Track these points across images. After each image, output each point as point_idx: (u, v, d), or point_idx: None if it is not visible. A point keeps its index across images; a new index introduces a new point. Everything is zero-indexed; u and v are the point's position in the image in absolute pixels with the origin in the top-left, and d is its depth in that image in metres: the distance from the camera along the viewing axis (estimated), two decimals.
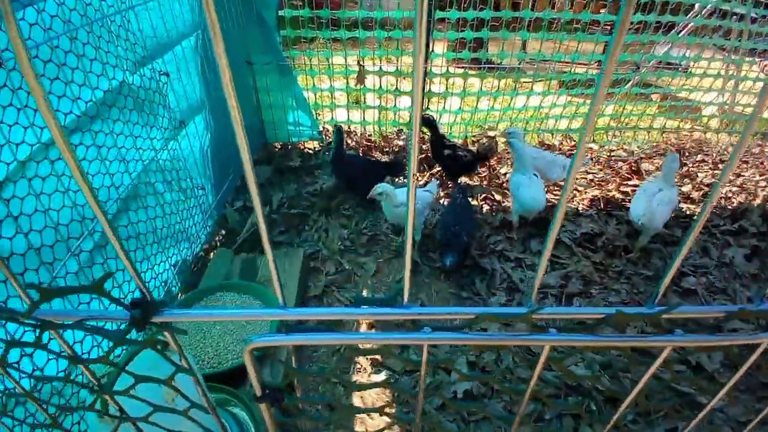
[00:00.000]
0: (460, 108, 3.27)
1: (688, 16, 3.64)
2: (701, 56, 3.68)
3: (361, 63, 2.92)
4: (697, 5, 3.64)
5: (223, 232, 2.37)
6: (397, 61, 3.00)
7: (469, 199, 2.29)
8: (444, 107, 3.20)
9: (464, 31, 2.89)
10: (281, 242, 2.33)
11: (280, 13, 2.76)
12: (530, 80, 3.39)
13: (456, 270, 2.20)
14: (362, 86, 2.99)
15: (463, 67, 3.17)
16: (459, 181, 2.84)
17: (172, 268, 1.91)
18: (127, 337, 0.41)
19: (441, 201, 2.74)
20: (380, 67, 3.02)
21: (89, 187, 0.40)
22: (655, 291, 0.59)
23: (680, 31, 3.85)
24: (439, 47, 3.24)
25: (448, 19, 2.85)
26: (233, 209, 2.43)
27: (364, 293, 2.11)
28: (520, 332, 0.59)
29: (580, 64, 3.47)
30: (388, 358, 1.79)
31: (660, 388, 1.68)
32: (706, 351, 1.78)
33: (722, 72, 3.75)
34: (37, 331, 0.44)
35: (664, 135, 3.68)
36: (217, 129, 2.46)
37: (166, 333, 0.44)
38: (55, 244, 1.27)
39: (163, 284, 1.83)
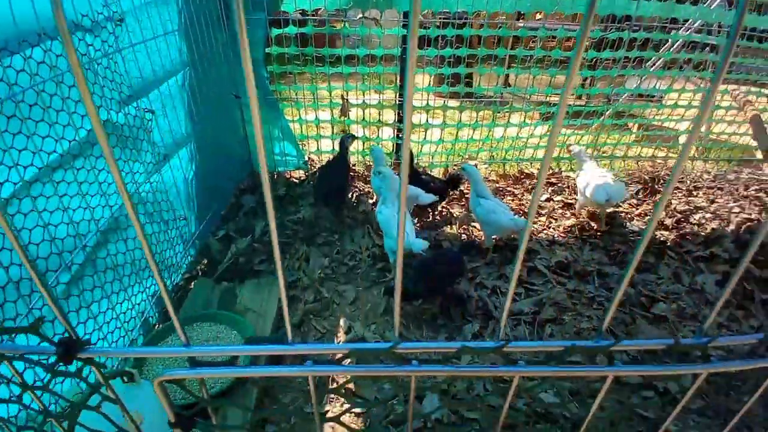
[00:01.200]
0: (440, 138, 3.39)
1: (659, 51, 3.84)
2: (672, 88, 3.85)
3: (345, 97, 3.05)
4: (670, 40, 3.85)
5: (206, 261, 2.42)
6: (379, 94, 3.13)
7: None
8: (425, 137, 3.32)
9: (442, 67, 3.04)
10: (262, 271, 2.38)
11: (267, 50, 2.90)
12: (508, 112, 3.53)
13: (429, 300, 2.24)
14: (346, 118, 3.11)
15: (443, 98, 3.32)
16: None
17: (150, 298, 1.95)
18: (59, 368, 0.46)
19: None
20: (363, 101, 3.15)
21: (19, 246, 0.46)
22: (599, 328, 0.66)
23: (652, 66, 4.05)
24: (421, 81, 3.39)
25: (427, 56, 3.00)
26: (215, 238, 2.49)
27: (341, 321, 2.15)
28: (493, 363, 0.66)
29: (555, 95, 3.63)
30: (364, 388, 1.82)
31: (627, 414, 1.71)
32: (653, 379, 1.82)
33: (693, 102, 3.91)
34: None
35: (639, 163, 3.80)
36: (202, 161, 2.55)
37: (93, 367, 0.49)
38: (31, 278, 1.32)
39: (140, 315, 1.86)
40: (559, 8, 2.90)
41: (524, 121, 3.52)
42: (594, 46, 3.40)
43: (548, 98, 3.49)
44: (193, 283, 2.24)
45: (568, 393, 1.80)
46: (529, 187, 3.38)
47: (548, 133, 3.65)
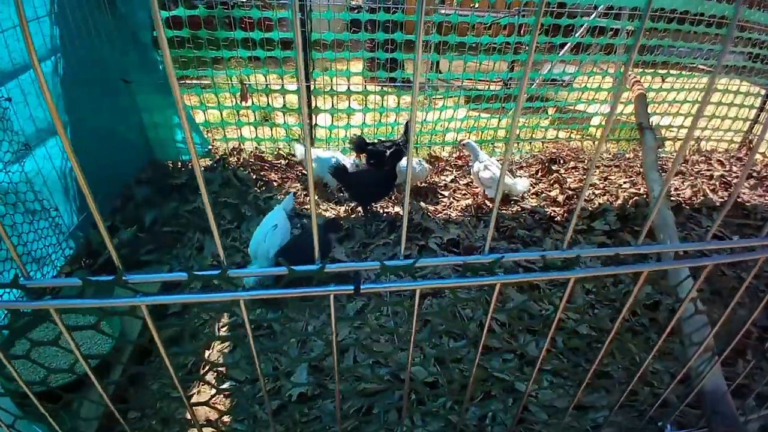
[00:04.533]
0: (363, 122, 3.42)
1: (571, 36, 4.01)
2: (581, 71, 4.05)
3: (244, 81, 3.00)
4: (576, 26, 4.02)
5: (87, 253, 2.34)
6: (282, 79, 3.10)
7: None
8: (348, 122, 3.34)
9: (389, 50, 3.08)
10: (148, 261, 2.33)
11: (156, 33, 2.79)
12: (442, 96, 3.60)
13: None
14: (247, 104, 3.06)
15: (382, 85, 3.35)
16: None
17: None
18: None
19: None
20: (266, 86, 3.11)
21: None
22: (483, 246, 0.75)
23: (559, 51, 4.23)
24: (356, 66, 3.37)
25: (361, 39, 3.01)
26: (97, 230, 2.40)
27: None
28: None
29: (482, 80, 3.74)
30: (234, 369, 1.84)
31: (485, 376, 1.83)
32: (513, 341, 1.96)
33: (602, 85, 4.13)
34: None
35: (544, 145, 3.99)
36: (80, 151, 2.43)
37: None
38: None
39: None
40: None
41: (457, 103, 3.59)
42: (516, 32, 3.49)
43: (476, 83, 3.59)
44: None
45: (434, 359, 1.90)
46: (438, 170, 3.47)
47: (468, 117, 3.81)
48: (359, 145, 3.01)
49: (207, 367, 1.82)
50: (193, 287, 2.05)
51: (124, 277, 0.67)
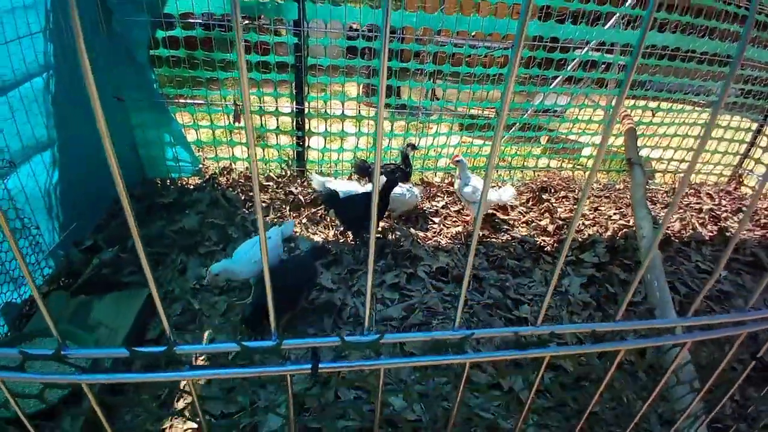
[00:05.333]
0: (356, 146, 3.43)
1: (563, 70, 4.07)
2: (572, 103, 4.11)
3: (237, 102, 3.00)
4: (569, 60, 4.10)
5: (67, 273, 2.28)
6: (276, 101, 3.11)
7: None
8: (341, 146, 3.35)
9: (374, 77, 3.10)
10: (129, 283, 2.28)
11: (154, 52, 2.80)
12: (436, 123, 3.63)
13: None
14: (240, 124, 3.06)
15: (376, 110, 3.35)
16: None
17: None
18: None
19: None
20: (260, 107, 3.12)
21: None
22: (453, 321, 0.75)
23: (551, 83, 4.30)
24: (353, 90, 3.39)
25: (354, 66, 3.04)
26: (79, 249, 2.35)
27: (206, 334, 2.09)
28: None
29: (476, 108, 3.77)
30: (211, 402, 1.78)
31: (468, 414, 1.78)
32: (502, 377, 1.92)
33: (593, 117, 4.18)
34: None
35: (536, 174, 4.01)
36: (69, 167, 2.41)
37: None
38: None
39: None
40: (481, 29, 3.03)
41: (450, 130, 3.62)
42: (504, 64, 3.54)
43: (469, 111, 3.63)
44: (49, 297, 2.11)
45: (417, 394, 1.85)
46: (429, 195, 3.46)
47: (460, 143, 3.84)
48: (362, 168, 2.99)
49: (181, 401, 1.76)
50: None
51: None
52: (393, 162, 3.24)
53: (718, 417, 1.86)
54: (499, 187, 3.25)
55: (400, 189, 2.85)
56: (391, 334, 0.73)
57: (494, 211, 3.27)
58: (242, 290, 2.35)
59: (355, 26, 3.26)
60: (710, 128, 0.70)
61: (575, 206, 3.52)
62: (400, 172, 2.97)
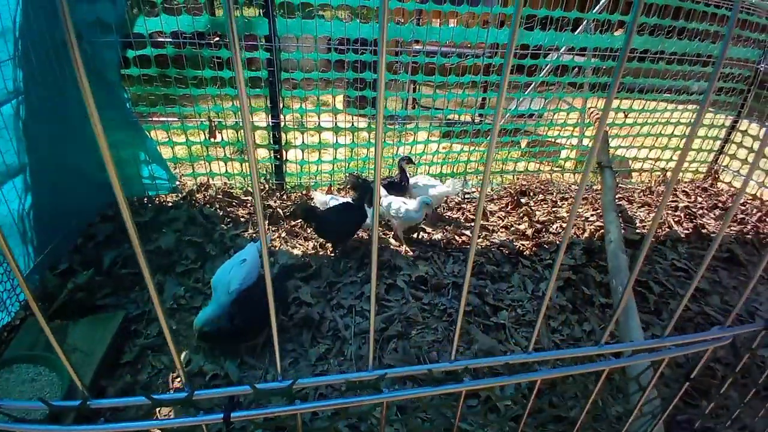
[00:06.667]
0: (334, 157, 3.44)
1: (535, 76, 4.13)
2: (546, 108, 4.17)
3: (212, 118, 3.00)
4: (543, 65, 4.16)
5: (42, 298, 2.26)
6: (251, 116, 3.12)
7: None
8: (319, 157, 3.37)
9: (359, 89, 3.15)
10: (105, 305, 2.26)
11: (125, 71, 2.79)
12: (413, 131, 3.66)
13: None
14: (214, 139, 3.06)
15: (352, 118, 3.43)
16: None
17: None
18: None
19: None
20: (236, 122, 3.12)
21: None
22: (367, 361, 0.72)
23: (524, 90, 4.36)
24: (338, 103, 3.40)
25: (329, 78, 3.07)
26: (54, 273, 2.33)
27: (183, 355, 2.08)
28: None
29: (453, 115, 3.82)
30: None
31: (446, 425, 1.79)
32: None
33: (567, 120, 4.25)
34: None
35: (515, 177, 4.06)
36: (40, 192, 2.39)
37: None
38: None
39: None
40: (461, 38, 3.07)
41: (428, 138, 3.65)
42: (483, 71, 3.58)
43: (447, 118, 3.68)
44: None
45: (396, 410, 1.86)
46: None
47: (438, 151, 3.87)
48: (354, 183, 2.98)
49: None
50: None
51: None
52: (390, 176, 3.26)
53: (692, 417, 1.90)
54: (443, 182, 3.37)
55: (397, 204, 2.88)
56: (304, 378, 0.72)
57: (473, 217, 3.30)
58: None
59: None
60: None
61: (553, 209, 3.57)
62: (400, 182, 3.04)
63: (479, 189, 3.81)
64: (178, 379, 1.94)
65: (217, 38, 2.78)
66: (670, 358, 0.90)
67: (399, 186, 3.14)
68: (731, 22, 0.66)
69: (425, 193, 3.07)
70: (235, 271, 2.19)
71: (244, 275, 2.18)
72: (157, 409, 1.75)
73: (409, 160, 3.17)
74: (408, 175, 3.22)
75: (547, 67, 4.22)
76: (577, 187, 4.05)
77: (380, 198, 2.76)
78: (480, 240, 3.09)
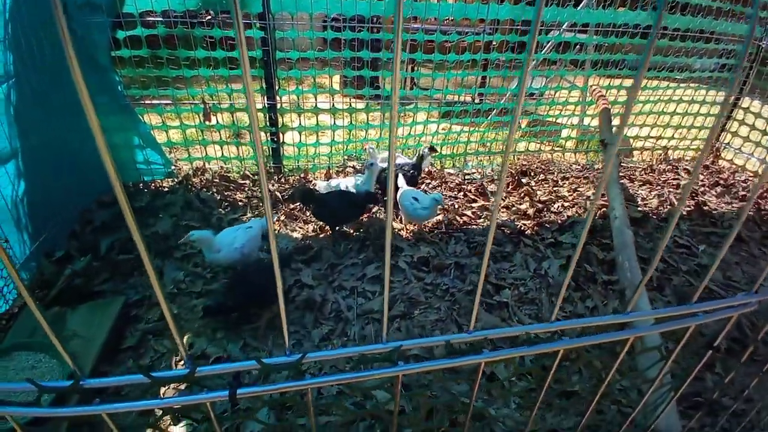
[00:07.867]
0: (332, 140, 3.39)
1: (537, 53, 4.05)
2: (548, 86, 4.11)
3: (206, 100, 2.94)
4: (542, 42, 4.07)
5: (40, 285, 2.23)
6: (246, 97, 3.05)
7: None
8: (317, 140, 3.32)
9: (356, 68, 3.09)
10: (103, 291, 2.24)
11: (115, 53, 2.71)
12: (413, 112, 3.60)
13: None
14: (210, 123, 3.00)
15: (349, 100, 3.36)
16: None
17: None
18: None
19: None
20: (231, 104, 3.06)
21: None
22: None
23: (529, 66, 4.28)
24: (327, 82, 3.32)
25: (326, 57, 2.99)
26: (50, 260, 2.30)
27: (185, 338, 2.06)
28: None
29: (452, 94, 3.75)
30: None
31: (451, 401, 1.79)
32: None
33: (569, 99, 4.18)
34: None
35: (516, 158, 4.01)
36: (34, 177, 2.34)
37: None
38: None
39: None
40: (464, 15, 3.00)
41: (428, 119, 3.59)
42: (483, 49, 3.49)
43: (446, 98, 3.62)
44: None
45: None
46: None
47: (437, 132, 3.82)
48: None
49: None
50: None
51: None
52: (407, 162, 3.14)
53: (698, 390, 1.90)
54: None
55: (408, 200, 2.69)
56: (313, 352, 0.70)
57: (476, 198, 3.27)
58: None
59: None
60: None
61: (554, 189, 3.54)
62: (412, 171, 2.99)
63: (480, 170, 3.78)
64: (182, 362, 1.93)
65: (209, 17, 2.70)
66: (696, 325, 0.88)
67: (412, 177, 3.07)
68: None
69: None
70: (240, 232, 2.30)
71: (246, 240, 2.27)
72: (162, 392, 1.74)
73: (432, 149, 3.10)
74: (422, 165, 3.12)
75: (549, 44, 4.15)
76: (580, 167, 4.03)
77: (396, 189, 2.72)
78: (481, 220, 3.06)
